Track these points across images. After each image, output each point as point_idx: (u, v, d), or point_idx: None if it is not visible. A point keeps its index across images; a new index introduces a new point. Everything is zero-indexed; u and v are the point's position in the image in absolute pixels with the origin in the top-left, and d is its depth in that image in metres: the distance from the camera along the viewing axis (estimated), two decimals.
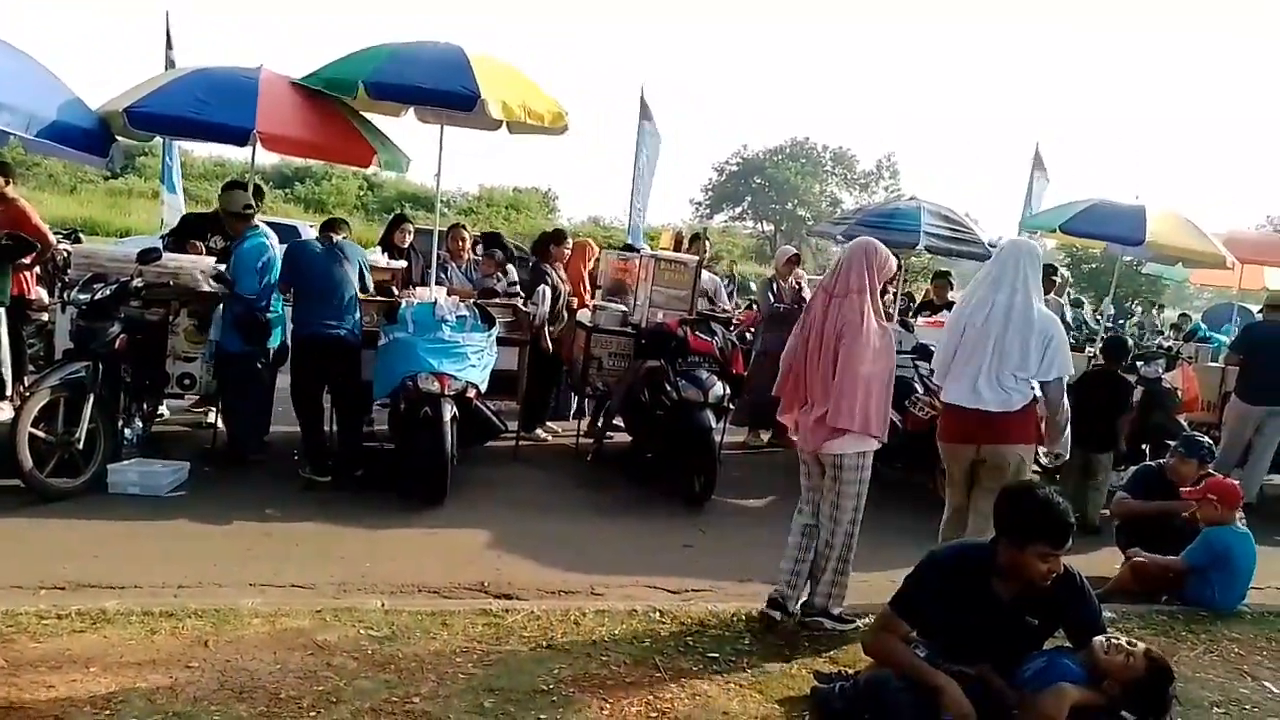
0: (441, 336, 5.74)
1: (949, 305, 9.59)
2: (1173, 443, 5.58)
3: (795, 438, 4.23)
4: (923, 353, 7.05)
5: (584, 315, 7.71)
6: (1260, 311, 8.44)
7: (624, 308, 7.58)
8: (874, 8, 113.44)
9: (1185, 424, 6.75)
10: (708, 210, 57.10)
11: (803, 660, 3.73)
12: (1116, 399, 6.47)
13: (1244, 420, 7.22)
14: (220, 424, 6.44)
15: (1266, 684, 3.96)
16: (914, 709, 2.92)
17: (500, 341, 6.35)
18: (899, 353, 7.61)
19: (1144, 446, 7.22)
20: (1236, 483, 5.16)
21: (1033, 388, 4.24)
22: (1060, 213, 9.12)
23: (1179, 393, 7.37)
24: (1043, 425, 4.38)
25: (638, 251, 8.28)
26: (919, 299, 11.73)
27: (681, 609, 4.24)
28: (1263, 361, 7.20)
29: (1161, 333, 14.48)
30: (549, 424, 7.80)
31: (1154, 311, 16.90)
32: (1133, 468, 6.12)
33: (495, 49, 7.20)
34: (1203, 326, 12.88)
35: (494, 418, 6.25)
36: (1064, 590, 3.11)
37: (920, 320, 8.87)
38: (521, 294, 7.25)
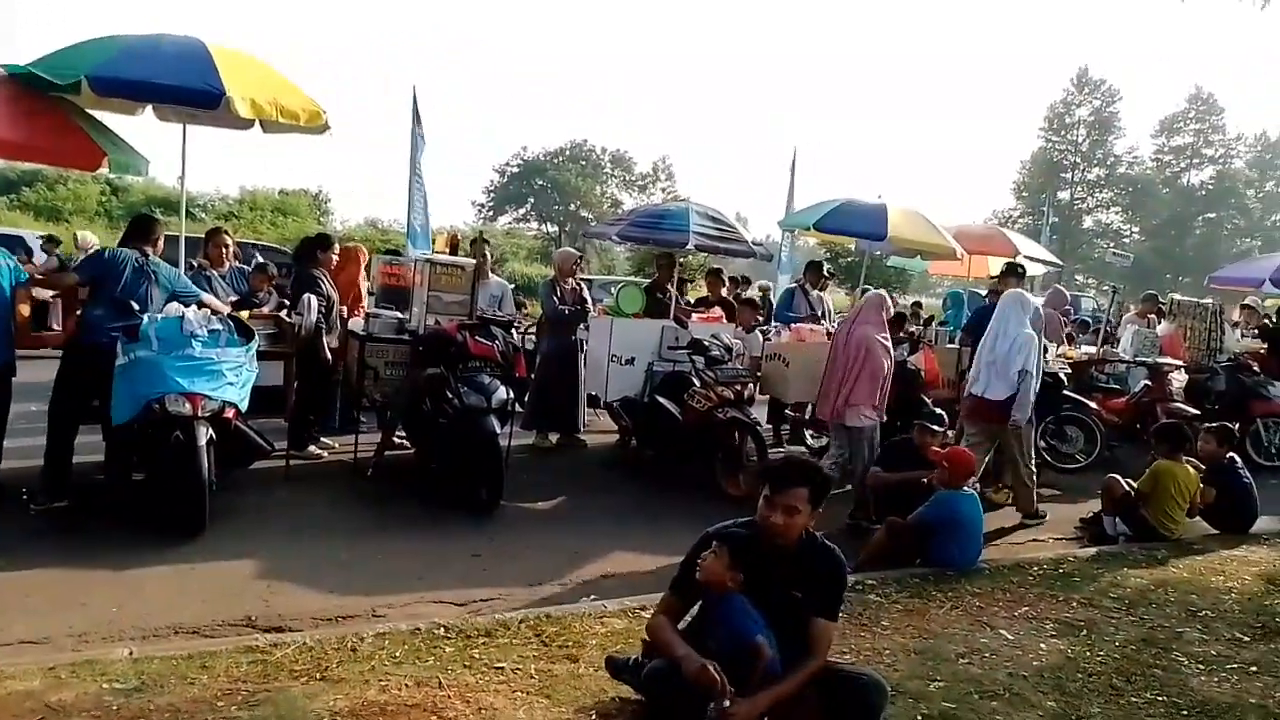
0: (191, 354, 5.25)
1: (722, 301, 10.00)
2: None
3: (824, 416, 6.72)
4: (697, 347, 7.29)
5: (356, 324, 7.39)
6: (987, 297, 9.43)
7: (399, 315, 7.33)
8: (649, 13, 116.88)
9: (928, 400, 7.42)
10: (491, 212, 56.57)
11: (590, 659, 3.74)
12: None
13: None
14: None
15: (1002, 632, 4.42)
16: (673, 684, 3.00)
17: (262, 355, 5.93)
18: (674, 349, 7.88)
19: (898, 423, 7.89)
20: (972, 455, 5.76)
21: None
22: (813, 212, 9.75)
23: (922, 373, 8.09)
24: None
25: (400, 254, 8.02)
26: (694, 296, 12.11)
27: (467, 622, 4.13)
28: None
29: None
30: (324, 440, 7.40)
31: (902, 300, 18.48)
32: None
33: (252, 47, 6.67)
34: (942, 313, 14.22)
35: (258, 438, 5.82)
36: (822, 565, 3.29)
37: (695, 316, 9.18)
38: (285, 303, 6.84)
